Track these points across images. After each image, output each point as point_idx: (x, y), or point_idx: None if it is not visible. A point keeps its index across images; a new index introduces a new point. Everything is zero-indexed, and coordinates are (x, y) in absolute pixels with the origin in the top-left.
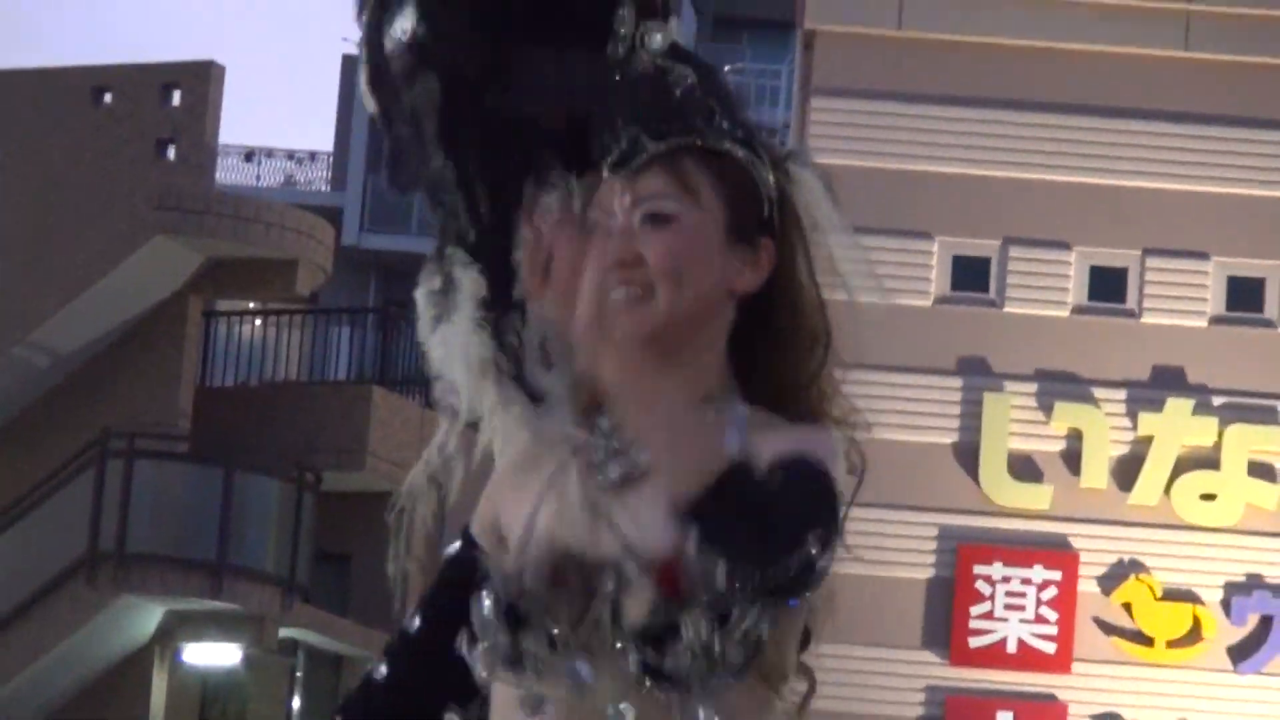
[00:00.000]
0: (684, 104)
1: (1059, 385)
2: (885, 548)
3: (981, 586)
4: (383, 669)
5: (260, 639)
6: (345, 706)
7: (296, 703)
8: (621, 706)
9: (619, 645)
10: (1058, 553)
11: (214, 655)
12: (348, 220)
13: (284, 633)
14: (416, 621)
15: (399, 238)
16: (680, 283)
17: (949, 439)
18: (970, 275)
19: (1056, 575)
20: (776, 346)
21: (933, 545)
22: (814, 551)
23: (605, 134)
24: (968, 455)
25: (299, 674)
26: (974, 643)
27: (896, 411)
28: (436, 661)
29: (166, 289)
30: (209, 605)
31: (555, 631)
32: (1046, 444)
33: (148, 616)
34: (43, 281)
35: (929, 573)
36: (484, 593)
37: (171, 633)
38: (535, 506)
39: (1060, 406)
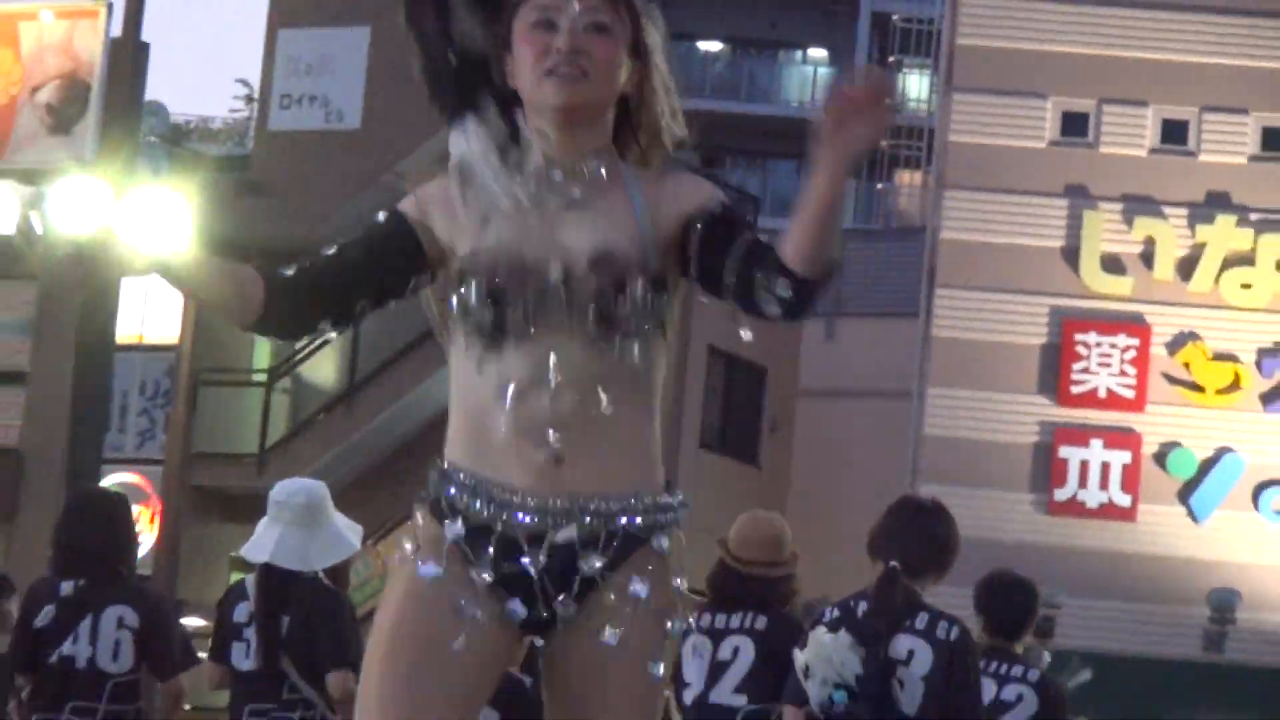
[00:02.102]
0: None
1: (1138, 205)
2: (1010, 321)
3: (1080, 349)
4: (330, 251)
5: None
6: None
7: None
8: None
9: (575, 313)
10: (1136, 325)
11: None
12: None
13: None
14: (354, 241)
15: None
16: (608, 76)
17: (1058, 243)
18: (1074, 125)
19: (1135, 342)
20: (639, 128)
21: (1045, 319)
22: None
23: None
24: (1071, 255)
25: None
26: (1074, 390)
27: (1021, 223)
28: (363, 270)
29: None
30: None
31: (529, 305)
32: (1128, 247)
33: None
34: None
35: (1042, 339)
36: (469, 280)
37: None
38: (480, 220)
39: (1139, 220)
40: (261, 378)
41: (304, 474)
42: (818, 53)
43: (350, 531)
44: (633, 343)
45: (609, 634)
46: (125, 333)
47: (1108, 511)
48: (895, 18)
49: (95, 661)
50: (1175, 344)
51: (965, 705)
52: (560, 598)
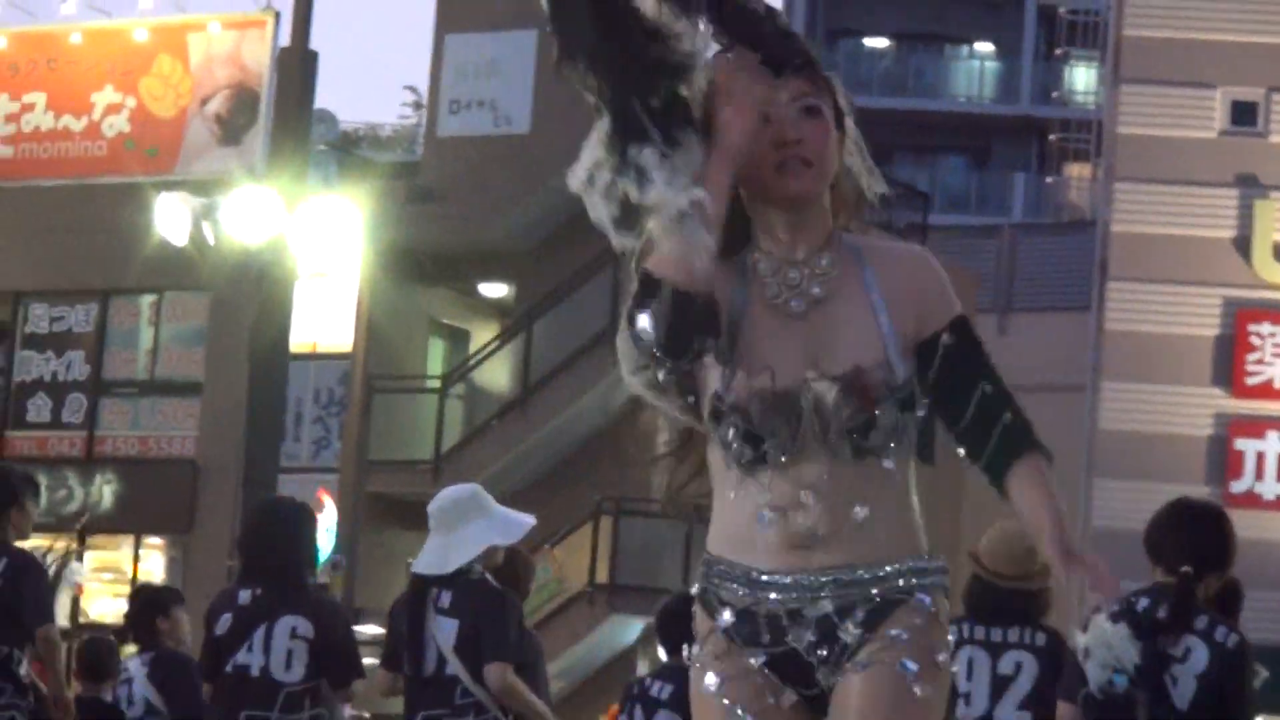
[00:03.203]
0: (787, 29)
1: None
2: (1182, 313)
3: (1254, 340)
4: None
5: None
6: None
7: None
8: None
9: (828, 439)
10: None
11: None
12: None
13: None
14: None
15: None
16: (827, 158)
17: (1229, 234)
18: (1244, 114)
19: None
20: (844, 197)
21: (1218, 310)
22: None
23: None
24: (1243, 245)
25: None
26: (1249, 381)
27: (1191, 214)
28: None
29: None
30: None
31: (784, 439)
32: None
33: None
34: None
35: (1215, 330)
36: (726, 423)
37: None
38: (729, 334)
39: None
40: (435, 384)
41: (479, 479)
42: (984, 46)
43: (496, 529)
44: (888, 458)
45: (861, 656)
46: (299, 341)
47: None
48: (1061, 10)
49: (268, 670)
50: None
51: (1238, 713)
52: (821, 668)
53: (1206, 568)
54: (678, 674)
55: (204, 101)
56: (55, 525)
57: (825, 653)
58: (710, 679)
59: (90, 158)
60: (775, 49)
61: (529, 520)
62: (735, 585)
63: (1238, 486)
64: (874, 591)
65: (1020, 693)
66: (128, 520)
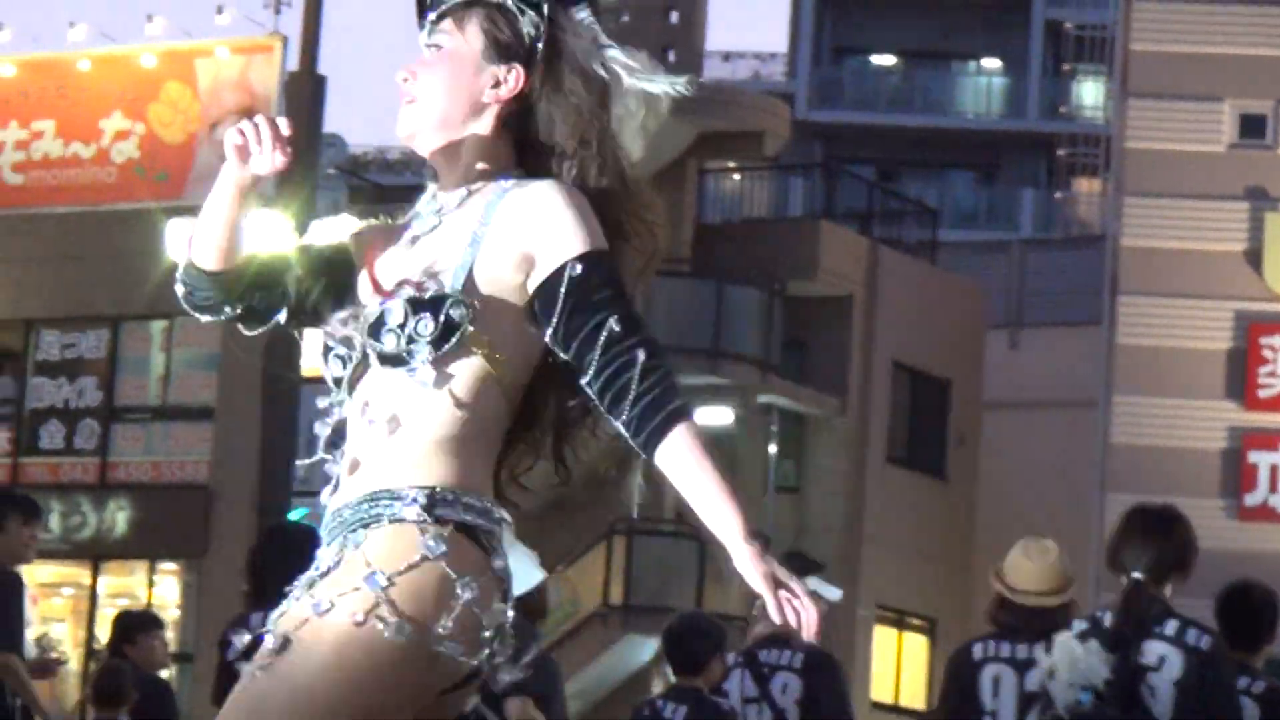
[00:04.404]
0: None
1: None
2: (1194, 327)
3: (1266, 353)
4: None
5: (746, 404)
6: None
7: (772, 449)
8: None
9: (367, 345)
10: None
11: (712, 417)
12: (799, 101)
13: (762, 399)
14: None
15: (835, 112)
16: (434, 94)
17: (1240, 247)
18: (1252, 127)
19: None
20: (542, 140)
21: (1229, 323)
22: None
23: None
24: (1254, 258)
25: (773, 428)
26: (1261, 394)
27: (1202, 228)
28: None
29: (671, 155)
30: (707, 380)
31: (343, 353)
32: None
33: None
34: None
35: (1228, 343)
36: (326, 342)
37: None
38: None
39: None
40: None
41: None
42: (991, 63)
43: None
44: (422, 374)
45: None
46: (311, 364)
47: None
48: (1068, 25)
49: None
50: None
51: (1225, 711)
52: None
53: (1165, 571)
54: (689, 694)
55: (213, 126)
56: (69, 552)
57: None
58: None
59: (100, 184)
60: None
61: (538, 576)
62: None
63: (1252, 499)
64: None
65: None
66: (142, 546)
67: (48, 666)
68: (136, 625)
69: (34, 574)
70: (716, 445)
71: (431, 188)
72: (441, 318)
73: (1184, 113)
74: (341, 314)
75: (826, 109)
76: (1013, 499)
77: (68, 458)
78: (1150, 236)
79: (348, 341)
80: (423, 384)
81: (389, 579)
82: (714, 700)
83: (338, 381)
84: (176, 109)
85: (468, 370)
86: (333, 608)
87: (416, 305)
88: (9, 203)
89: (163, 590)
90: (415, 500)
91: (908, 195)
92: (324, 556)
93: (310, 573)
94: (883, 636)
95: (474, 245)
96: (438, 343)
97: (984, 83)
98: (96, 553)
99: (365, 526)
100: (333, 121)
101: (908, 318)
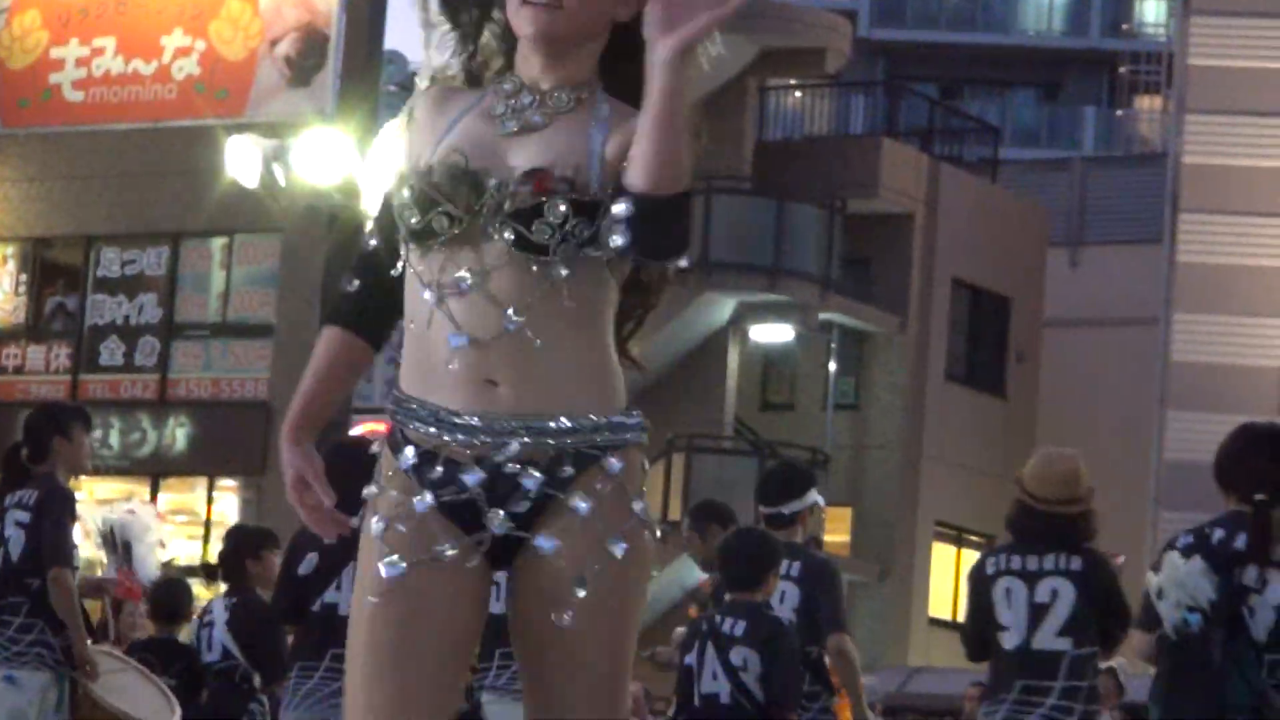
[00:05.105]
0: None
1: None
2: (1254, 243)
3: None
4: (354, 281)
5: (806, 321)
6: (331, 311)
7: (832, 366)
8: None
9: (500, 224)
10: None
11: (772, 334)
12: (861, 18)
13: (823, 316)
14: (372, 243)
15: (898, 30)
16: (584, 5)
17: None
18: None
19: None
20: (634, 65)
21: None
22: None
23: None
24: None
25: (833, 345)
26: None
27: (1263, 145)
28: (386, 275)
29: (732, 72)
30: (768, 297)
31: (454, 211)
32: None
33: (724, 307)
34: None
35: (1278, 362)
36: (407, 181)
37: (741, 318)
38: (443, 134)
39: None
40: None
41: None
42: None
43: None
44: (558, 267)
45: (538, 541)
46: None
47: None
48: None
49: None
50: None
51: None
52: (497, 514)
53: None
54: (747, 608)
55: (273, 43)
56: (129, 468)
57: (504, 498)
58: (376, 522)
59: (160, 101)
60: None
61: None
62: (422, 425)
63: None
64: (566, 442)
65: (1058, 620)
66: (201, 462)
67: (103, 586)
68: (261, 541)
69: (93, 489)
70: (778, 362)
71: (513, 79)
72: (596, 227)
73: (1246, 29)
74: (445, 166)
75: (889, 27)
76: (1072, 417)
77: (127, 374)
78: (1211, 154)
79: (459, 202)
80: (563, 274)
81: (641, 500)
82: (772, 615)
83: (427, 235)
84: (237, 26)
85: (601, 271)
86: (622, 543)
87: (578, 208)
88: (69, 120)
89: (222, 506)
90: (640, 426)
91: (969, 113)
92: (513, 451)
93: (529, 481)
94: (941, 553)
95: (596, 138)
96: (589, 247)
97: (1046, 0)
98: (156, 469)
99: (603, 451)
100: (393, 38)
101: (968, 235)
